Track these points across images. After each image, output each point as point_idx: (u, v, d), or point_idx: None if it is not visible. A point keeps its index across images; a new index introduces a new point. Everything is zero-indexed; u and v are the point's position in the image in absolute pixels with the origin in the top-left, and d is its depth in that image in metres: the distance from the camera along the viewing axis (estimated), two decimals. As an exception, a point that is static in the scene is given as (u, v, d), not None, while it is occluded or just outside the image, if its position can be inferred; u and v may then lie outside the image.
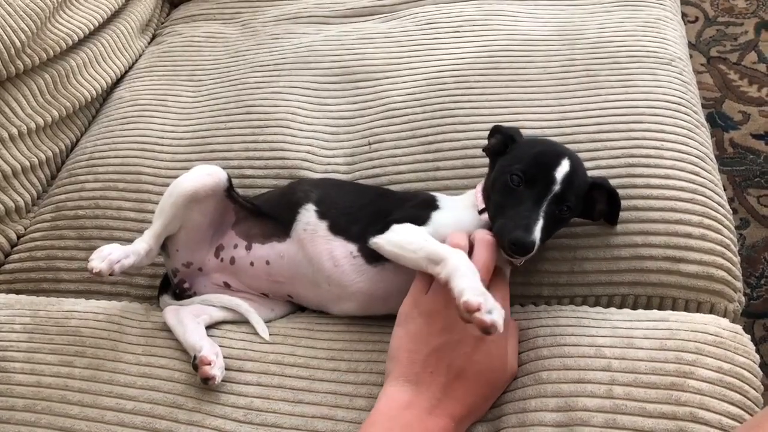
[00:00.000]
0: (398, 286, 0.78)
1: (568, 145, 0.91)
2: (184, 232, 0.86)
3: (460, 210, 0.81)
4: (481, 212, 0.79)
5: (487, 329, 0.62)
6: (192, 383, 0.78)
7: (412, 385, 0.68)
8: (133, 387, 0.79)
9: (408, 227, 0.77)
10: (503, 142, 0.81)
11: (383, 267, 0.79)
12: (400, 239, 0.75)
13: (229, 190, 0.86)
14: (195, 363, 0.77)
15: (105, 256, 0.81)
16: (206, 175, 0.85)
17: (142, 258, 0.84)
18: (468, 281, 0.65)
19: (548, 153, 0.77)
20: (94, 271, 0.79)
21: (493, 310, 0.63)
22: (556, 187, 0.74)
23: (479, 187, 0.83)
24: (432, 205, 0.82)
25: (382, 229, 0.78)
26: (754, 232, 1.52)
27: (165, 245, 0.88)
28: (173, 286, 0.90)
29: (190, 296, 0.89)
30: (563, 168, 0.75)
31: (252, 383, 0.78)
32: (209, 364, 0.77)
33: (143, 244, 0.85)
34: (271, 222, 0.86)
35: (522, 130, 0.94)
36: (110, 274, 0.80)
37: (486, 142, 0.85)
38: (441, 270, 0.68)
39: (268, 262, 0.85)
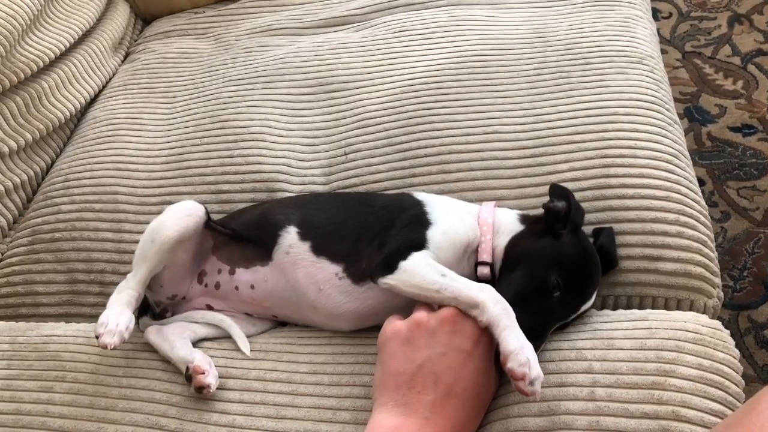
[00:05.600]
0: (386, 301, 0.78)
1: (542, 149, 0.92)
2: (168, 270, 0.85)
3: (455, 220, 0.80)
4: (480, 263, 0.79)
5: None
6: (173, 403, 0.77)
7: (400, 408, 0.67)
8: (114, 410, 0.78)
9: (416, 263, 0.75)
10: (564, 218, 0.77)
11: (370, 286, 0.78)
12: (416, 281, 0.73)
13: (208, 221, 0.85)
14: (188, 374, 0.77)
15: (114, 330, 0.77)
16: (187, 217, 0.84)
17: (134, 308, 0.82)
18: (513, 342, 0.66)
19: (590, 281, 0.76)
20: (109, 347, 0.76)
21: (535, 381, 0.65)
22: (573, 315, 0.75)
23: (489, 210, 0.82)
24: (423, 220, 0.80)
25: (387, 265, 0.76)
26: (735, 224, 1.53)
27: (149, 283, 0.86)
28: (155, 313, 0.88)
29: None
30: (590, 302, 0.76)
31: (234, 400, 0.77)
32: (203, 373, 0.76)
33: (132, 292, 0.82)
34: (252, 245, 0.85)
35: (496, 134, 0.95)
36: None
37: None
38: (480, 315, 0.69)
39: (252, 287, 0.84)
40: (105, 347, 0.76)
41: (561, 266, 0.74)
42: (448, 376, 0.68)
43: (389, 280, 0.75)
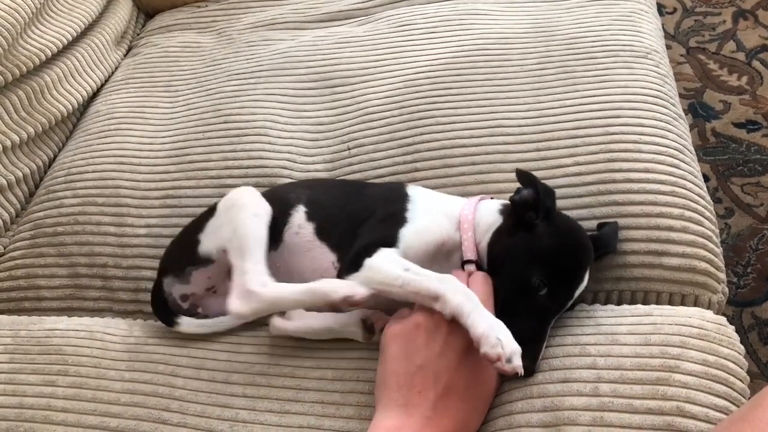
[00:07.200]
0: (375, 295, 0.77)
1: (546, 143, 0.92)
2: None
3: (431, 220, 0.79)
4: (467, 262, 0.77)
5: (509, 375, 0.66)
6: (176, 397, 0.77)
7: (402, 408, 0.67)
8: (117, 404, 0.78)
9: (380, 260, 0.73)
10: (533, 206, 0.74)
11: None
12: (380, 277, 0.72)
13: None
14: (369, 324, 0.77)
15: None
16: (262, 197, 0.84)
17: None
18: (480, 325, 0.65)
19: (577, 265, 0.74)
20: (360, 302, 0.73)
21: (512, 357, 0.64)
22: (570, 302, 0.73)
23: (471, 205, 0.79)
24: (399, 218, 0.79)
25: (353, 263, 0.75)
26: (738, 220, 1.53)
27: (191, 273, 0.84)
28: (181, 309, 0.85)
29: (201, 317, 0.85)
30: (584, 283, 0.74)
31: (238, 395, 0.77)
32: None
33: (268, 278, 0.77)
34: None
35: (500, 129, 0.94)
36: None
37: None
38: (443, 307, 0.68)
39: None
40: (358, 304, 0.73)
41: (540, 261, 0.72)
42: (448, 376, 0.68)
43: (354, 278, 0.74)
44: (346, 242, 0.79)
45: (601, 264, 0.82)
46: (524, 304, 0.71)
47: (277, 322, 0.80)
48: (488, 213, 0.79)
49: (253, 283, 0.76)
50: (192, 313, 0.86)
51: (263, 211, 0.81)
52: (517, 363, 0.64)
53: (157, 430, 0.75)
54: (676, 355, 0.69)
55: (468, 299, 0.68)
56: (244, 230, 0.80)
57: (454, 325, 0.69)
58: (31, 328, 0.89)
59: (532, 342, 0.69)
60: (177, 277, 0.85)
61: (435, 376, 0.67)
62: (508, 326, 0.68)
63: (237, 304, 0.77)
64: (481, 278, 0.73)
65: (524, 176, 0.76)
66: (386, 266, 0.73)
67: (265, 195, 0.89)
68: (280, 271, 0.82)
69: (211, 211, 0.85)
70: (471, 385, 0.69)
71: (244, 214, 0.81)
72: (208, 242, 0.83)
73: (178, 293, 0.85)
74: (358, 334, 0.78)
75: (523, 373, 0.66)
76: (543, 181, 0.76)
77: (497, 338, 0.64)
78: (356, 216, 0.81)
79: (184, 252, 0.85)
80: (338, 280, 0.74)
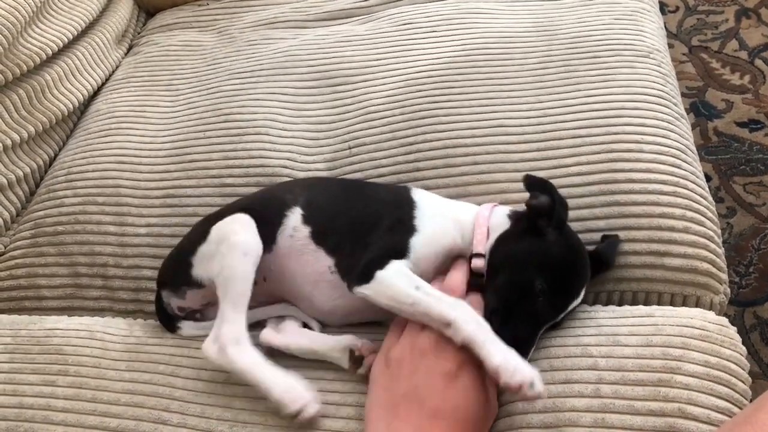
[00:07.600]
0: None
1: (548, 143, 0.91)
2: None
3: (439, 228, 0.78)
4: (475, 255, 0.76)
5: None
6: (176, 398, 0.77)
7: None
8: (117, 404, 0.78)
9: (392, 273, 0.72)
10: (549, 213, 0.74)
11: None
12: (391, 292, 0.71)
13: None
14: (357, 356, 0.75)
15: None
16: (253, 227, 0.79)
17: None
18: (496, 356, 0.65)
19: (579, 279, 0.74)
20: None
21: (534, 382, 0.64)
22: (561, 315, 0.73)
23: (488, 207, 0.79)
24: (408, 226, 0.78)
25: (364, 274, 0.73)
26: (740, 220, 1.52)
27: (186, 291, 0.83)
28: (180, 316, 0.86)
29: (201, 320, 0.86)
30: (577, 301, 0.74)
31: (238, 395, 0.77)
32: (375, 352, 0.74)
33: (244, 332, 0.75)
34: (258, 228, 0.82)
35: (501, 128, 0.94)
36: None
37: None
38: (454, 334, 0.67)
39: (265, 279, 0.82)
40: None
41: (546, 268, 0.72)
42: (433, 400, 0.66)
43: (364, 290, 0.73)
44: (345, 247, 0.79)
45: (603, 264, 0.82)
46: (522, 307, 0.71)
47: (266, 334, 0.79)
48: (499, 216, 0.79)
49: (227, 338, 0.74)
50: (191, 318, 0.86)
51: (253, 250, 0.78)
52: (541, 387, 0.64)
53: (157, 431, 0.75)
54: (678, 357, 0.69)
55: (480, 328, 0.67)
56: (231, 271, 0.77)
57: (440, 350, 0.68)
58: (31, 327, 0.88)
59: (521, 346, 0.68)
60: (173, 292, 0.84)
61: (419, 403, 0.66)
62: (503, 328, 0.68)
63: (211, 350, 0.75)
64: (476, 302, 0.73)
65: (540, 183, 0.75)
66: (398, 281, 0.72)
67: (260, 194, 0.89)
68: (272, 274, 0.82)
69: (204, 234, 0.81)
70: (461, 409, 0.67)
71: (234, 254, 0.77)
72: (200, 268, 0.81)
73: (175, 305, 0.85)
74: (343, 361, 0.76)
75: (545, 396, 0.66)
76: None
77: (514, 367, 0.64)
78: (359, 221, 0.80)
79: (177, 271, 0.84)
80: (299, 388, 0.73)
